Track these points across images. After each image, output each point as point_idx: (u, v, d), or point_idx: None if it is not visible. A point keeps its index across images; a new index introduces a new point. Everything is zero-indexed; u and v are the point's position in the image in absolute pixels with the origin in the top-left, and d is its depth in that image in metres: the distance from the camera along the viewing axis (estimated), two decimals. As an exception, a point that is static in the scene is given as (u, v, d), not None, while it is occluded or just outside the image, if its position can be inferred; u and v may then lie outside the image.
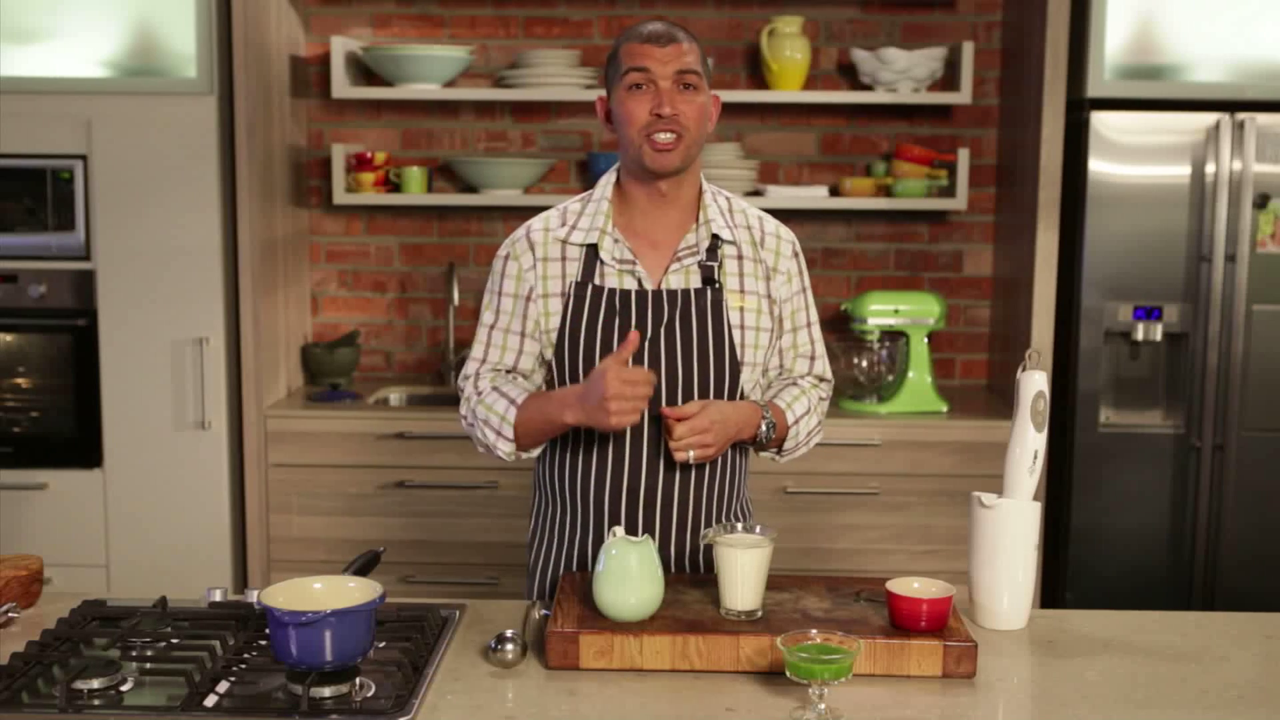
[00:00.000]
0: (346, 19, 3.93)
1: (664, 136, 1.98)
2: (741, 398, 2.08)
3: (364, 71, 3.85)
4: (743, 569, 1.81)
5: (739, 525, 1.90)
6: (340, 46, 3.68)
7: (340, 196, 3.75)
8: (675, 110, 1.97)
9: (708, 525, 2.10)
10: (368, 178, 3.79)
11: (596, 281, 2.04)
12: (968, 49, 3.66)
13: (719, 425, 1.97)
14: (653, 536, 2.03)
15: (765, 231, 2.12)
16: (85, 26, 3.42)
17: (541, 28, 3.92)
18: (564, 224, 2.08)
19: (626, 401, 1.89)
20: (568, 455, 2.10)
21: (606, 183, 2.10)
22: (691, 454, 1.96)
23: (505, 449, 2.06)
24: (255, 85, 3.44)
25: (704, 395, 2.05)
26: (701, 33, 3.88)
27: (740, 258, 2.08)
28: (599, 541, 2.07)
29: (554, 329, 2.06)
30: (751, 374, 2.08)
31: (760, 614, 1.82)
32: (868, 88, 3.75)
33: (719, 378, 2.04)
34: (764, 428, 2.05)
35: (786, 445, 2.13)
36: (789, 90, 3.72)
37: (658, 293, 2.03)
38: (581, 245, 2.06)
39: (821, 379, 2.20)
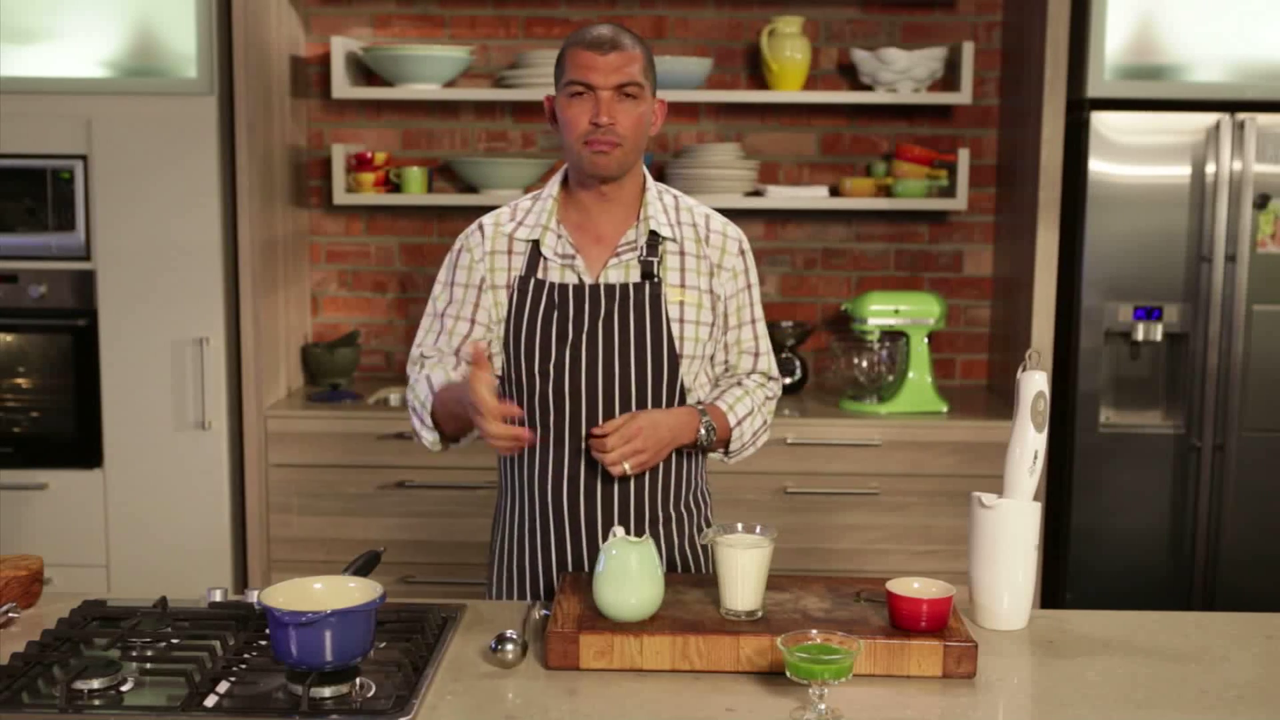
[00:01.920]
0: (346, 19, 3.93)
1: (601, 145, 2.01)
2: (682, 391, 2.11)
3: (364, 71, 3.85)
4: (743, 569, 1.81)
5: (739, 526, 1.90)
6: (340, 46, 3.68)
7: (340, 196, 3.75)
8: (613, 120, 2.00)
9: (659, 520, 2.13)
10: (368, 178, 3.79)
11: (539, 276, 2.09)
12: (968, 49, 3.66)
13: (648, 431, 2.00)
14: (601, 534, 2.08)
15: (711, 229, 2.15)
16: (85, 26, 3.42)
17: (541, 28, 3.92)
18: (513, 219, 2.14)
19: (500, 440, 1.90)
20: (525, 452, 2.13)
21: (556, 180, 2.15)
22: (627, 465, 1.99)
23: (428, 437, 2.11)
24: (255, 85, 3.44)
25: (642, 387, 2.08)
26: (701, 33, 3.88)
27: (682, 253, 2.11)
28: (554, 536, 2.12)
29: (502, 320, 2.11)
30: (691, 366, 2.11)
31: (760, 614, 1.82)
32: (868, 88, 3.75)
33: (657, 370, 2.08)
34: (703, 431, 2.09)
35: (732, 447, 2.17)
36: (789, 90, 3.72)
37: (595, 287, 2.07)
38: (526, 241, 2.11)
39: (769, 376, 2.22)
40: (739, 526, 1.89)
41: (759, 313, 2.20)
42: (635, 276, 2.09)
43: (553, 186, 2.14)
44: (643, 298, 2.08)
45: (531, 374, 2.08)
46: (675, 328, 2.09)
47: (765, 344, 2.22)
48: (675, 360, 2.09)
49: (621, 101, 2.01)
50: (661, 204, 2.13)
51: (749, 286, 2.18)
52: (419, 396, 2.10)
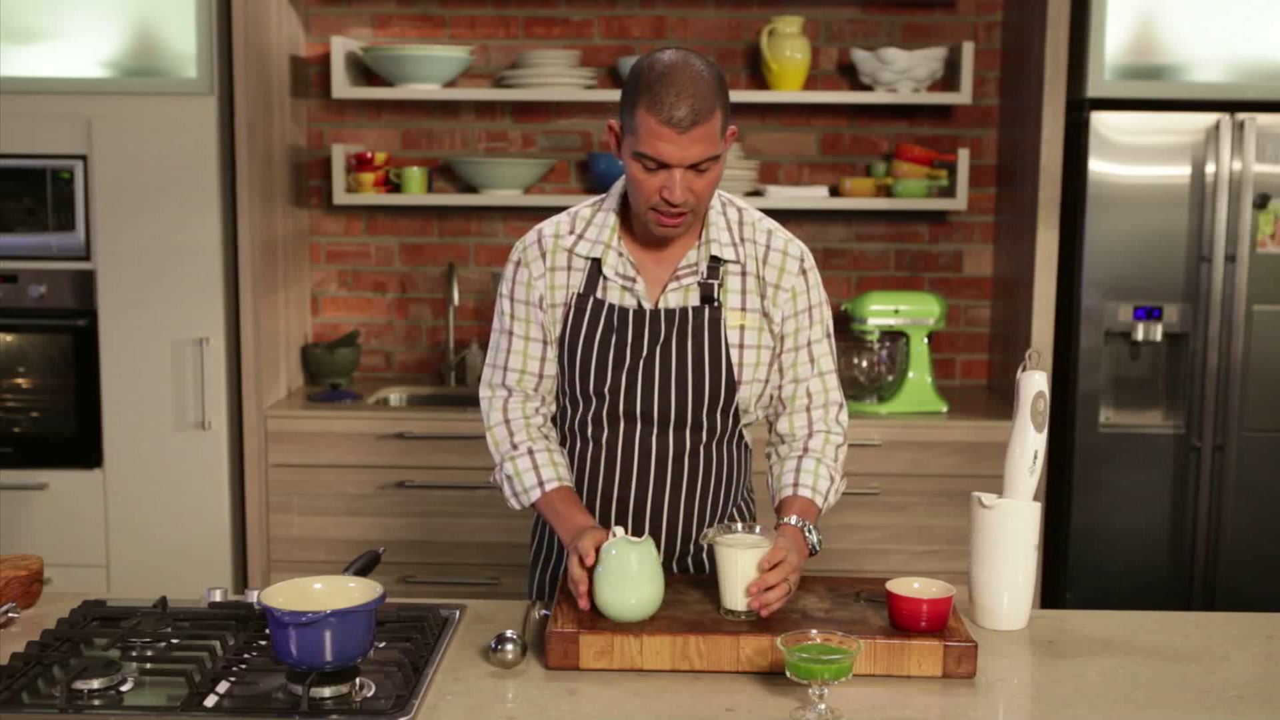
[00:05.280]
0: (346, 19, 3.93)
1: (671, 220, 1.93)
2: (737, 415, 2.06)
3: (364, 71, 3.85)
4: (742, 569, 1.81)
5: (738, 526, 1.90)
6: (340, 46, 3.68)
7: (340, 197, 3.75)
8: (685, 196, 1.89)
9: (705, 528, 2.10)
10: (368, 178, 3.79)
11: (598, 295, 2.03)
12: (968, 49, 3.66)
13: (798, 571, 1.89)
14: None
15: (771, 248, 2.05)
16: (85, 26, 3.42)
17: (541, 28, 3.92)
18: (573, 231, 2.06)
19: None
20: (575, 463, 2.11)
21: (617, 192, 2.07)
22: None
23: (515, 506, 2.09)
24: (255, 85, 3.44)
25: (698, 412, 2.03)
26: (701, 33, 3.88)
27: (744, 274, 2.04)
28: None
29: (556, 339, 2.06)
30: (750, 391, 2.05)
31: (756, 615, 1.82)
32: (868, 88, 3.75)
33: (714, 396, 2.03)
34: (814, 542, 1.99)
35: (822, 513, 2.07)
36: (789, 90, 3.72)
37: (655, 312, 2.01)
38: (586, 257, 2.04)
39: (833, 425, 2.10)
40: (739, 527, 1.89)
41: (818, 334, 2.07)
42: (695, 300, 2.02)
43: (615, 199, 2.05)
44: (702, 322, 2.01)
45: (587, 394, 2.04)
46: (735, 353, 2.02)
47: (826, 364, 2.09)
48: (733, 386, 2.03)
49: (697, 174, 1.89)
50: (725, 220, 2.04)
51: (810, 308, 2.06)
52: (523, 482, 2.04)
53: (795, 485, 2.04)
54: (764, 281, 2.04)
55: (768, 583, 1.80)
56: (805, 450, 2.07)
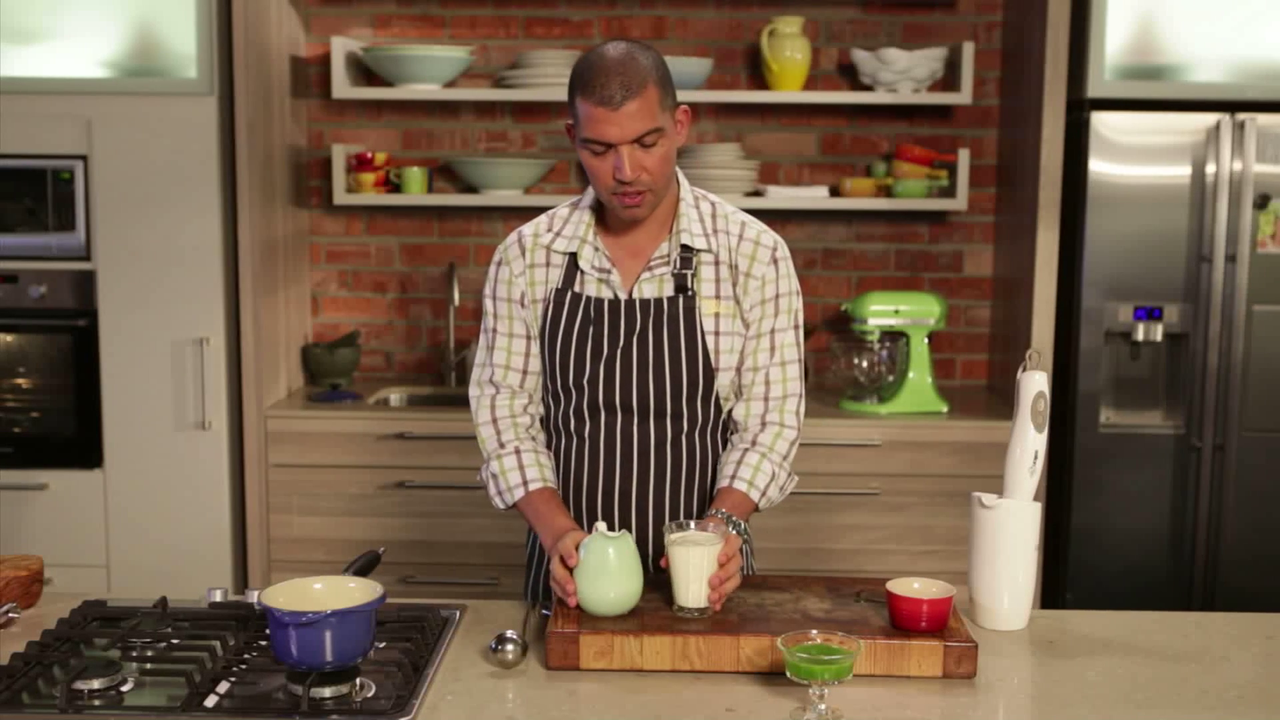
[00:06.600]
0: (347, 19, 3.93)
1: (630, 198, 1.97)
2: (718, 402, 2.09)
3: (364, 72, 3.85)
4: (695, 566, 1.82)
5: (691, 524, 1.91)
6: (340, 47, 3.68)
7: (340, 197, 3.75)
8: (636, 173, 1.94)
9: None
10: (368, 178, 3.79)
11: (575, 289, 2.08)
12: (968, 49, 3.66)
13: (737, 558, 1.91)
14: (634, 534, 2.05)
15: (744, 238, 2.09)
16: (85, 26, 3.42)
17: (541, 28, 3.92)
18: (551, 229, 2.12)
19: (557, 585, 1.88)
20: (559, 459, 2.14)
21: (592, 191, 2.11)
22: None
23: (499, 505, 2.15)
24: (255, 85, 3.44)
25: (676, 400, 2.06)
26: (701, 33, 3.88)
27: (717, 263, 2.07)
28: None
29: (538, 334, 2.11)
30: (727, 378, 2.08)
31: (709, 611, 1.83)
32: (868, 88, 3.76)
33: (692, 384, 2.06)
34: (735, 533, 1.96)
35: (761, 508, 2.09)
36: (789, 90, 3.72)
37: (630, 302, 2.05)
38: (563, 253, 2.09)
39: (784, 424, 2.10)
40: (691, 525, 1.91)
41: (783, 323, 2.09)
42: (669, 290, 2.06)
43: (590, 196, 2.11)
44: (676, 312, 2.05)
45: (568, 387, 2.08)
46: (711, 340, 2.05)
47: (788, 354, 2.09)
48: (710, 373, 2.06)
49: (644, 150, 1.94)
50: (697, 212, 2.08)
51: (776, 297, 2.08)
52: (507, 482, 2.09)
53: (733, 478, 2.06)
54: (736, 270, 2.08)
55: (728, 574, 1.84)
56: (753, 443, 2.10)
